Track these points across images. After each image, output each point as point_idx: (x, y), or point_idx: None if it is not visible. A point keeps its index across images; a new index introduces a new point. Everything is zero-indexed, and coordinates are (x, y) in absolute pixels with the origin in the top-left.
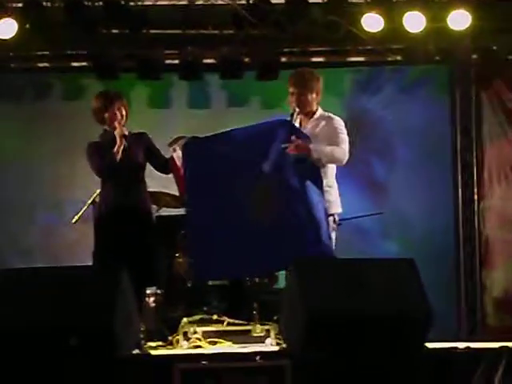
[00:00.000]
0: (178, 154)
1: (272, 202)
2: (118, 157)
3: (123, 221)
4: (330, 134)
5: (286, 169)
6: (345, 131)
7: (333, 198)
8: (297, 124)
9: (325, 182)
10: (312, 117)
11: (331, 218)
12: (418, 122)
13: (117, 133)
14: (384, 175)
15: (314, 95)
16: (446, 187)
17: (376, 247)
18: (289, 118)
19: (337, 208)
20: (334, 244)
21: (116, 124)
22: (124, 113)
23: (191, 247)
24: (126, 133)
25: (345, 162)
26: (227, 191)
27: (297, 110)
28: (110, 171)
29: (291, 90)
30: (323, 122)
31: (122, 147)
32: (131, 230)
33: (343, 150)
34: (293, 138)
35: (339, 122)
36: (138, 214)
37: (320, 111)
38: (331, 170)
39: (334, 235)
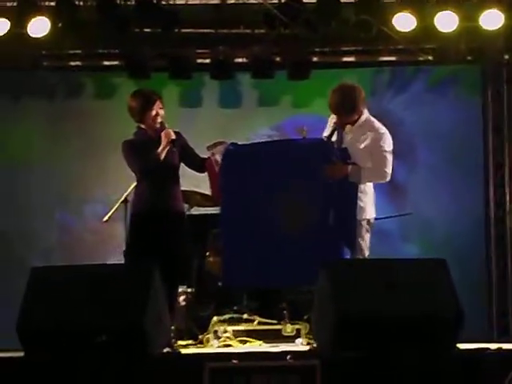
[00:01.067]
0: (216, 158)
1: (303, 213)
2: (163, 156)
3: (158, 220)
4: (374, 151)
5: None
6: (390, 147)
7: (367, 202)
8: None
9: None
10: (356, 122)
11: (364, 222)
12: (443, 124)
13: (164, 133)
14: (404, 177)
15: (356, 114)
16: (470, 189)
17: (396, 250)
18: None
19: (371, 213)
20: (368, 249)
21: (157, 123)
22: (163, 112)
23: (223, 252)
24: (173, 135)
25: (387, 179)
26: (261, 201)
27: (338, 129)
28: (151, 170)
29: (333, 119)
30: (368, 134)
31: (167, 147)
32: (165, 230)
33: (384, 173)
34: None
35: (385, 138)
36: (173, 213)
37: (365, 115)
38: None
39: (368, 238)
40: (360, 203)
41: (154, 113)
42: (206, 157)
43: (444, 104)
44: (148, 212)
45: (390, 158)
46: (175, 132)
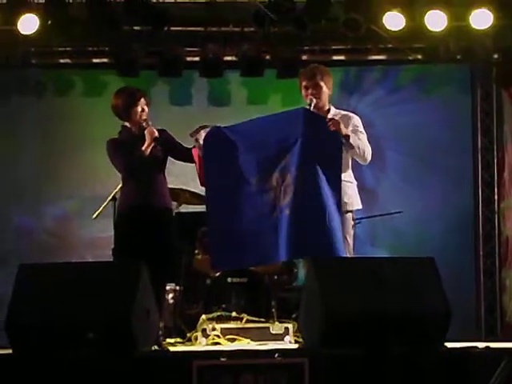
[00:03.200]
0: (199, 144)
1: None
2: (147, 154)
3: (145, 217)
4: (347, 123)
5: (307, 162)
6: (363, 130)
7: (352, 194)
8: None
9: (343, 176)
10: (327, 114)
11: (349, 215)
12: (430, 124)
13: (147, 131)
14: (373, 181)
15: (327, 89)
16: (459, 188)
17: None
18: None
19: (357, 205)
20: (352, 241)
21: (142, 121)
22: (147, 110)
23: (210, 236)
24: (156, 132)
25: (368, 161)
26: (245, 179)
27: (314, 101)
28: (136, 169)
29: (304, 83)
30: (341, 117)
31: (152, 145)
32: (153, 227)
33: (368, 151)
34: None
35: (358, 120)
36: (160, 210)
37: (333, 109)
38: (347, 166)
39: (352, 232)
40: (344, 196)
41: (139, 109)
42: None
43: (433, 104)
44: (135, 210)
45: (366, 138)
46: (159, 130)
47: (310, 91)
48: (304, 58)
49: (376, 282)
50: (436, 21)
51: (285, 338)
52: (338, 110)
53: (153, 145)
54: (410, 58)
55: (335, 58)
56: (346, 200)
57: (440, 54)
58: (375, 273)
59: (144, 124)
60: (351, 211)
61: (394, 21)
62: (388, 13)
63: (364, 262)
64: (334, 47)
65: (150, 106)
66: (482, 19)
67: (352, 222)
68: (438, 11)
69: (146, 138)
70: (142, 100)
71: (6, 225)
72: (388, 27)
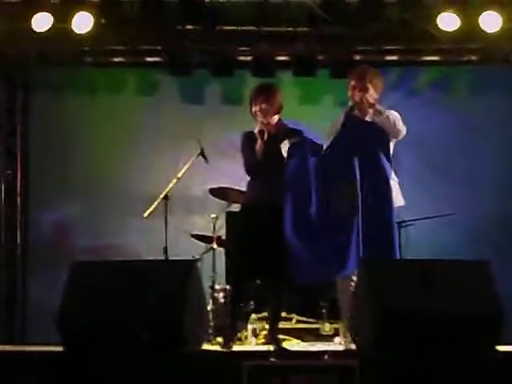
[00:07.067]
0: (284, 148)
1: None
2: (260, 155)
3: (263, 218)
4: (388, 125)
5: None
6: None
7: (394, 191)
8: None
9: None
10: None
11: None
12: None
13: (256, 129)
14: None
15: (374, 92)
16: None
17: None
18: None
19: (398, 202)
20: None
21: (257, 119)
22: (268, 108)
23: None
24: (265, 130)
25: (402, 134)
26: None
27: (358, 101)
28: (252, 170)
29: (353, 82)
30: (382, 116)
31: (262, 145)
32: (268, 226)
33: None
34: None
35: (397, 116)
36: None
37: (379, 106)
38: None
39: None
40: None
41: (254, 108)
42: None
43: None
44: (251, 209)
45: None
46: (292, 129)
47: (356, 91)
48: (357, 58)
49: (428, 284)
50: (491, 22)
51: (335, 339)
52: (382, 108)
53: (264, 144)
54: (465, 59)
55: (388, 58)
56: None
57: (495, 55)
58: (427, 275)
59: (257, 122)
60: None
61: (448, 21)
62: (442, 13)
63: (416, 264)
64: (387, 47)
65: (274, 102)
66: None
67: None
68: (492, 12)
69: (257, 137)
70: (261, 97)
71: None
72: (442, 28)
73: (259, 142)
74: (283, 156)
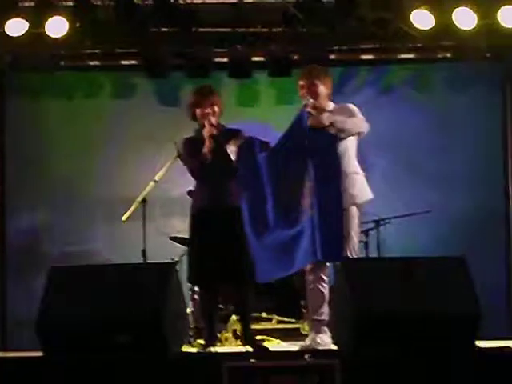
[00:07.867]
0: (231, 149)
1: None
2: (208, 157)
3: (216, 220)
4: (344, 113)
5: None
6: (361, 115)
7: (360, 185)
8: (309, 121)
9: (349, 168)
10: (324, 112)
11: (353, 208)
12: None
13: (205, 132)
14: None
15: (325, 89)
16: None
17: None
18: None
19: (366, 196)
20: (357, 238)
21: (205, 122)
22: (216, 109)
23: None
24: (215, 132)
25: (366, 131)
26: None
27: (310, 100)
28: (200, 172)
29: (301, 82)
30: (337, 110)
31: (210, 147)
32: (224, 228)
33: (361, 118)
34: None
35: (352, 106)
36: (231, 212)
37: (332, 104)
38: (353, 157)
39: (358, 229)
40: (352, 188)
41: (202, 111)
42: None
43: (460, 102)
44: (205, 212)
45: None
46: (234, 129)
47: (305, 90)
48: (332, 57)
49: (406, 282)
50: (465, 19)
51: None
52: (336, 105)
53: (212, 146)
54: (440, 56)
55: (363, 57)
56: (354, 192)
57: (470, 53)
58: (405, 272)
59: (206, 124)
60: (359, 204)
61: (422, 19)
62: (416, 11)
63: (393, 262)
64: (362, 46)
65: (220, 104)
66: (510, 16)
67: (357, 216)
68: (466, 8)
69: (205, 139)
70: (209, 99)
71: None
72: (417, 26)
73: (207, 144)
74: (230, 156)
